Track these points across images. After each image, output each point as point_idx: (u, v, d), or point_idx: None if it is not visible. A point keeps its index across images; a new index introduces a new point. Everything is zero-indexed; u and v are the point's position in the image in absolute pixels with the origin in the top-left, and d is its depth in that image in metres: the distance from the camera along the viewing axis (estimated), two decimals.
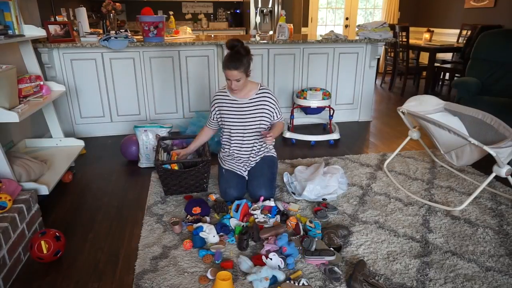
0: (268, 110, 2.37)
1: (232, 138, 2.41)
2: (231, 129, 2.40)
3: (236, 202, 2.24)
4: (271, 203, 2.30)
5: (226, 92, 2.40)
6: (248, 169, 2.48)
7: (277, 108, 2.40)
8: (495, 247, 1.97)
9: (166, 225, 2.17)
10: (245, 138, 2.40)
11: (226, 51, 2.35)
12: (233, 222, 2.14)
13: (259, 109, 2.35)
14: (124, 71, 3.59)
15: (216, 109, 2.43)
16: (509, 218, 2.23)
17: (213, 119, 2.49)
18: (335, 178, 2.50)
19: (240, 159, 2.46)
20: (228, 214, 2.23)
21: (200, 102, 3.86)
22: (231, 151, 2.44)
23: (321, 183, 2.44)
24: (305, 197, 2.40)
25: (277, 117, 2.41)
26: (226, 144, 2.47)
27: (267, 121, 2.39)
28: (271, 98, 2.37)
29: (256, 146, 2.43)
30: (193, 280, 1.73)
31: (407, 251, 1.93)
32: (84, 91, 3.57)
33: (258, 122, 2.37)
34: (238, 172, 2.47)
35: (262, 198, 2.33)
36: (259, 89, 2.37)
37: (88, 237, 2.08)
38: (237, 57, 2.15)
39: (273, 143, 2.32)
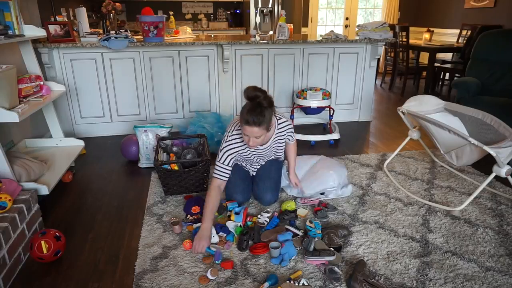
0: (286, 139, 2.28)
1: (247, 167, 2.42)
2: (246, 161, 2.34)
3: (236, 210, 2.21)
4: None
5: (242, 141, 2.10)
6: (257, 168, 2.47)
7: (292, 134, 2.29)
8: (495, 247, 1.97)
9: (166, 225, 2.17)
10: (260, 164, 2.40)
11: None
12: (231, 225, 2.13)
13: (279, 143, 2.25)
14: (124, 71, 3.59)
15: (234, 156, 2.10)
16: (509, 218, 2.23)
17: (228, 166, 2.08)
18: (333, 173, 2.50)
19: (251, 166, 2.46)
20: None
21: (200, 102, 3.86)
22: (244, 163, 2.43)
23: (317, 179, 2.46)
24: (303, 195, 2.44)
25: (292, 140, 2.35)
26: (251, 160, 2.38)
27: (283, 147, 2.33)
28: (289, 130, 2.21)
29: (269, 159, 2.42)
30: (193, 280, 1.73)
31: (407, 251, 1.93)
32: (84, 91, 3.57)
33: (275, 151, 2.32)
34: (247, 170, 2.46)
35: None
36: (278, 128, 2.16)
37: (88, 237, 2.08)
38: (260, 110, 1.83)
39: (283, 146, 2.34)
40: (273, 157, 2.40)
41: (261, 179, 2.37)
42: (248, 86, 1.88)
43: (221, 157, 2.09)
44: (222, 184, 2.11)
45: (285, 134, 2.22)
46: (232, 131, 2.11)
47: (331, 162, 2.59)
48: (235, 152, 2.11)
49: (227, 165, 2.09)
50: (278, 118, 2.17)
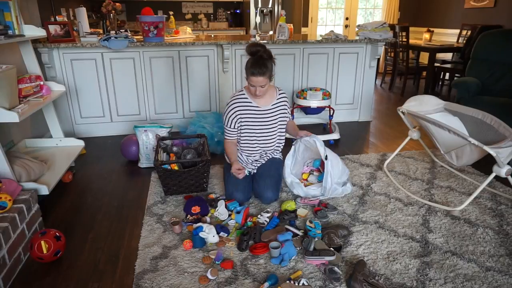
0: (286, 112, 2.42)
1: (251, 141, 2.41)
2: (251, 134, 2.38)
3: (237, 209, 2.23)
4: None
5: (247, 98, 2.31)
6: (257, 166, 2.48)
7: (288, 106, 2.46)
8: (495, 247, 1.97)
9: (166, 225, 2.17)
10: (265, 141, 2.41)
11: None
12: (232, 222, 2.14)
13: (280, 113, 2.39)
14: (124, 71, 3.59)
15: (237, 117, 2.31)
16: (509, 218, 2.23)
17: (234, 128, 2.34)
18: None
19: (253, 157, 2.47)
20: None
21: (200, 102, 3.86)
22: (248, 150, 2.45)
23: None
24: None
25: (289, 117, 2.48)
26: (242, 145, 2.45)
27: (284, 122, 2.44)
28: (287, 101, 2.42)
29: (272, 145, 2.46)
30: (193, 280, 1.73)
31: (407, 251, 1.93)
32: (84, 91, 3.57)
33: (278, 125, 2.41)
34: (247, 168, 2.47)
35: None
36: (279, 94, 2.39)
37: (88, 237, 2.08)
38: (262, 62, 2.10)
39: (283, 141, 2.51)
40: (276, 136, 2.41)
41: (261, 177, 2.39)
42: (249, 43, 2.15)
43: (226, 121, 2.36)
44: (234, 141, 2.42)
45: (285, 103, 2.41)
46: (231, 98, 2.34)
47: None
48: (236, 112, 2.31)
49: (233, 128, 2.35)
50: (278, 87, 2.42)
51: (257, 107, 2.31)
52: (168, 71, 3.68)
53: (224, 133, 2.42)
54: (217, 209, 2.24)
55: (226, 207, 2.25)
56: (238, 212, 2.19)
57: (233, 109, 2.31)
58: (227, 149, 2.42)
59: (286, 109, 2.43)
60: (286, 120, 2.45)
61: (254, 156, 2.48)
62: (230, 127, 2.35)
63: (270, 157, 2.50)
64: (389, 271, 1.79)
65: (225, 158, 2.57)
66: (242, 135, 2.41)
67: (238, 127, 2.36)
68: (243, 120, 2.33)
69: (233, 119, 2.32)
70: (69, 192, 2.59)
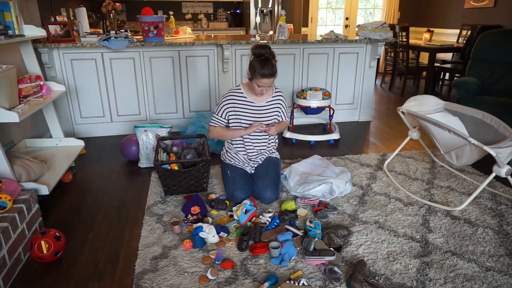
0: (280, 111, 2.44)
1: (245, 137, 2.42)
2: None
3: (246, 207, 2.22)
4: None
5: (242, 93, 2.36)
6: (255, 166, 2.49)
7: (286, 109, 2.48)
8: (495, 247, 1.97)
9: (166, 225, 2.17)
10: (257, 137, 2.42)
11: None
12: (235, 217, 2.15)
13: (274, 110, 2.41)
14: (124, 71, 3.59)
15: (230, 109, 2.35)
16: (509, 218, 2.23)
17: (223, 118, 2.38)
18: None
19: (251, 155, 2.46)
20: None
21: (200, 102, 3.86)
22: (245, 146, 2.44)
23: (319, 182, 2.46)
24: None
25: (284, 117, 2.49)
26: (238, 142, 2.45)
27: (275, 115, 2.45)
28: (283, 101, 2.44)
29: (267, 142, 2.47)
30: (193, 280, 1.73)
31: (407, 251, 1.93)
32: (84, 91, 3.57)
33: (271, 122, 2.42)
34: (245, 169, 2.48)
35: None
36: (275, 91, 2.42)
37: (88, 237, 2.08)
38: (271, 64, 2.15)
39: (275, 138, 2.52)
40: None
41: (260, 177, 2.39)
42: (255, 44, 2.18)
43: (217, 109, 2.38)
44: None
45: (280, 104, 2.42)
46: (228, 91, 2.38)
47: (333, 171, 2.63)
48: (230, 104, 2.34)
49: (222, 117, 2.37)
50: (275, 86, 2.45)
51: (252, 102, 2.35)
52: (168, 71, 3.68)
53: (211, 120, 2.41)
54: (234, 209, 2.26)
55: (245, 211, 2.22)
56: (247, 211, 2.18)
57: (227, 100, 2.35)
58: (220, 134, 2.40)
59: (280, 108, 2.43)
60: (278, 118, 2.45)
61: (254, 152, 2.46)
62: (219, 116, 2.37)
63: (266, 156, 2.51)
64: (389, 271, 1.79)
65: (221, 158, 2.57)
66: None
67: (228, 118, 2.38)
68: (236, 113, 2.35)
69: (225, 109, 2.35)
70: (69, 192, 2.59)
